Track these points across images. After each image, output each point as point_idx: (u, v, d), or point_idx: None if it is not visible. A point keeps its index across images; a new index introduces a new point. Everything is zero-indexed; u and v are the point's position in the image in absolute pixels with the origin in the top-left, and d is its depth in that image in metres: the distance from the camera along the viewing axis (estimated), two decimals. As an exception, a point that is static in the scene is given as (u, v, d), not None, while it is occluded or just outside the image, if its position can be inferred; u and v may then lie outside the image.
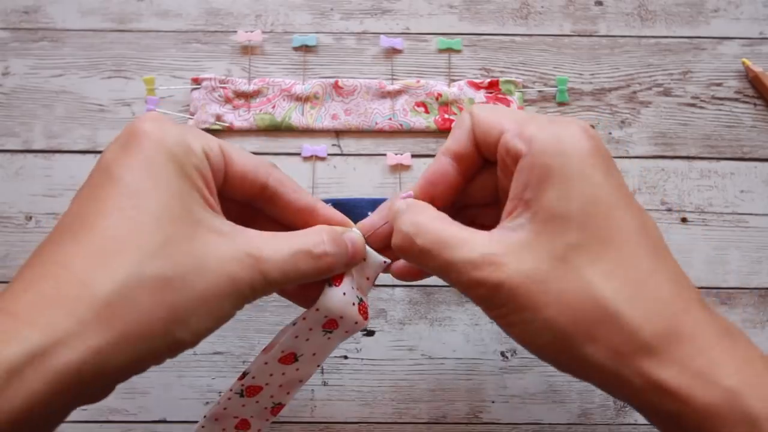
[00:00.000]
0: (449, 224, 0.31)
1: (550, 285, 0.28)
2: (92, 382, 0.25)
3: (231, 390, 0.35)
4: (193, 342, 0.29)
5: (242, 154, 0.33)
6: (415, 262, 0.32)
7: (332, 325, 0.34)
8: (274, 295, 0.53)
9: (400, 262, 0.36)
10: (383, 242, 0.35)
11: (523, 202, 0.29)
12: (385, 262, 0.35)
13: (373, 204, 0.54)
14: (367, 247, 0.35)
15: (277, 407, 0.36)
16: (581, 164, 0.28)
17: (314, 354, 0.35)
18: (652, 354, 0.27)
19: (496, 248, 0.29)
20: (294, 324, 0.34)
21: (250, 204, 0.35)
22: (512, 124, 0.31)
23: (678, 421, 0.28)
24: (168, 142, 0.29)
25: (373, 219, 0.36)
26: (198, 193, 0.29)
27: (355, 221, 0.36)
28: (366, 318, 0.35)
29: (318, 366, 0.36)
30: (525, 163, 0.29)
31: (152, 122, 0.30)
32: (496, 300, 0.29)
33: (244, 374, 0.34)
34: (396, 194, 0.35)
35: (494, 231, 0.30)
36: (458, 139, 0.33)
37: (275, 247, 0.30)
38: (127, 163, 0.28)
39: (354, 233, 0.35)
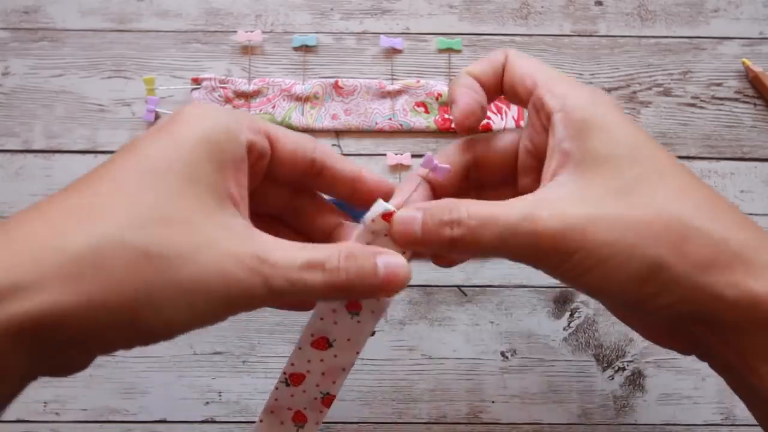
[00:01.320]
0: (491, 202, 0.30)
1: (622, 216, 0.28)
2: (50, 338, 0.24)
3: (278, 380, 0.35)
4: (165, 333, 0.26)
5: (288, 133, 0.32)
6: (470, 246, 0.29)
7: (355, 306, 0.33)
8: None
9: None
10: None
11: (564, 154, 0.30)
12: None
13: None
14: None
15: (328, 398, 0.36)
16: (615, 115, 0.30)
17: (349, 339, 0.34)
18: (744, 263, 0.27)
19: (552, 199, 0.29)
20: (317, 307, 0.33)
21: (297, 192, 0.34)
22: (545, 79, 0.32)
23: None
24: (206, 127, 0.28)
25: (403, 189, 0.33)
26: (222, 186, 0.27)
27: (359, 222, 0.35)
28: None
29: (357, 353, 0.34)
30: (559, 119, 0.30)
31: (197, 107, 0.28)
32: (566, 248, 0.28)
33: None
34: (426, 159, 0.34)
35: (541, 190, 0.30)
36: (485, 69, 0.34)
37: (286, 253, 0.28)
38: (155, 139, 0.27)
39: (393, 257, 0.30)
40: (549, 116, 0.31)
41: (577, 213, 0.28)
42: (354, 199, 0.34)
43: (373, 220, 0.31)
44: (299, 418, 0.36)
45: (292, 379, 0.35)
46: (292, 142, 0.31)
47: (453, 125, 0.32)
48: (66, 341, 0.24)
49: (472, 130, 0.33)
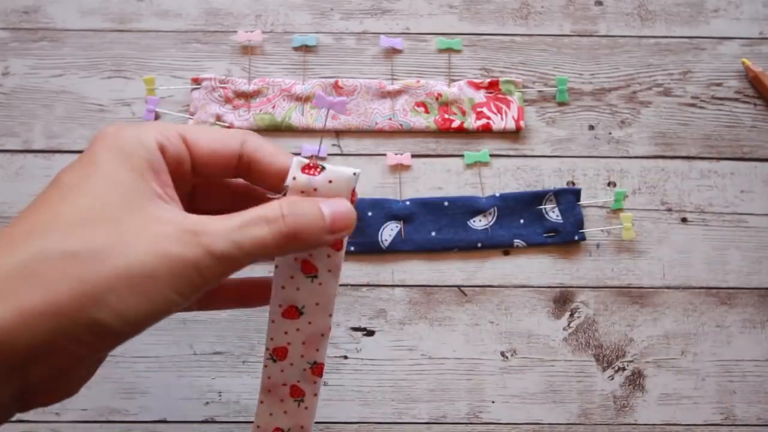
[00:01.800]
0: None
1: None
2: (3, 361, 0.24)
3: (264, 357, 0.35)
4: (124, 328, 0.26)
5: (209, 133, 0.32)
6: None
7: (310, 268, 0.33)
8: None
9: None
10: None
11: None
12: (354, 173, 0.31)
13: (372, 204, 0.54)
14: (331, 167, 0.31)
15: (317, 367, 0.36)
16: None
17: (317, 304, 0.34)
18: None
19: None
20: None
21: (241, 187, 0.34)
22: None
23: None
24: (118, 141, 0.28)
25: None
26: (147, 188, 0.28)
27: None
28: (338, 248, 0.32)
29: (330, 316, 0.35)
30: None
31: (108, 128, 0.29)
32: None
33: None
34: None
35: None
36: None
37: (223, 220, 0.28)
38: (72, 166, 0.28)
39: (335, 200, 0.30)
40: None
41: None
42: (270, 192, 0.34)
43: (294, 178, 0.31)
44: (297, 393, 0.36)
45: (276, 353, 0.35)
46: (210, 141, 0.31)
47: None
48: (15, 360, 0.24)
49: None
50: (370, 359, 0.53)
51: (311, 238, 0.29)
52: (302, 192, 0.31)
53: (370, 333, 0.53)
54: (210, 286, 0.28)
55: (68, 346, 0.25)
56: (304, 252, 0.32)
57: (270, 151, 0.32)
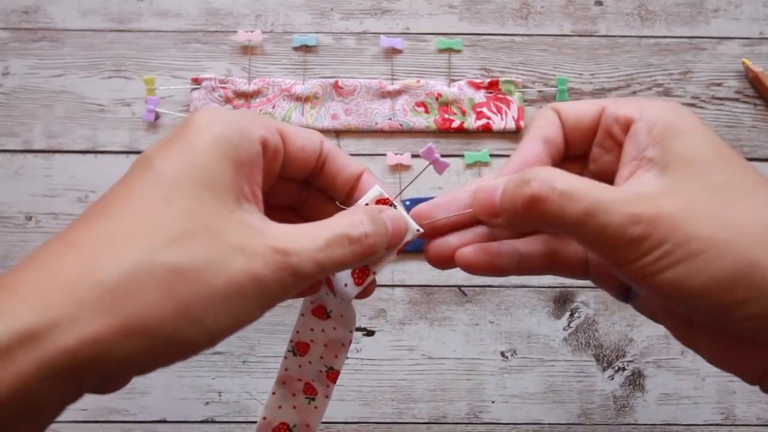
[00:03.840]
0: (581, 177, 0.28)
1: (716, 212, 0.26)
2: (89, 371, 0.24)
3: (286, 349, 0.36)
4: (208, 343, 0.26)
5: (298, 129, 0.32)
6: (551, 211, 0.27)
7: (330, 286, 0.34)
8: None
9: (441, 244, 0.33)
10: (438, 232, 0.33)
11: (646, 161, 0.28)
12: (418, 230, 0.32)
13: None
14: (401, 211, 0.32)
15: (332, 373, 0.36)
16: (696, 121, 0.29)
17: (341, 315, 0.35)
18: None
19: (646, 188, 0.27)
20: None
21: (305, 184, 0.34)
22: (609, 102, 0.31)
23: None
24: (219, 128, 0.28)
25: (422, 208, 0.32)
26: (237, 185, 0.28)
27: None
28: (358, 283, 0.32)
29: (351, 332, 0.35)
30: (642, 126, 0.29)
31: (206, 111, 0.28)
32: (657, 236, 0.26)
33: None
34: (472, 182, 0.33)
35: (631, 183, 0.29)
36: (547, 126, 0.32)
37: (308, 237, 0.28)
38: (167, 151, 0.27)
39: (392, 210, 0.31)
40: (628, 126, 0.29)
41: (670, 203, 0.26)
42: (348, 201, 0.34)
43: (366, 204, 0.32)
44: (310, 391, 0.36)
45: (298, 347, 0.35)
46: (301, 138, 0.31)
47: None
48: (108, 370, 0.25)
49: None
50: (370, 359, 0.53)
51: (380, 252, 0.30)
52: None
53: (370, 333, 0.53)
54: (284, 300, 0.28)
55: (157, 362, 0.26)
56: None
57: (343, 155, 0.33)
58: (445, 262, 0.33)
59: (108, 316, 0.24)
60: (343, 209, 0.32)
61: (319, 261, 0.28)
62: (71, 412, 0.51)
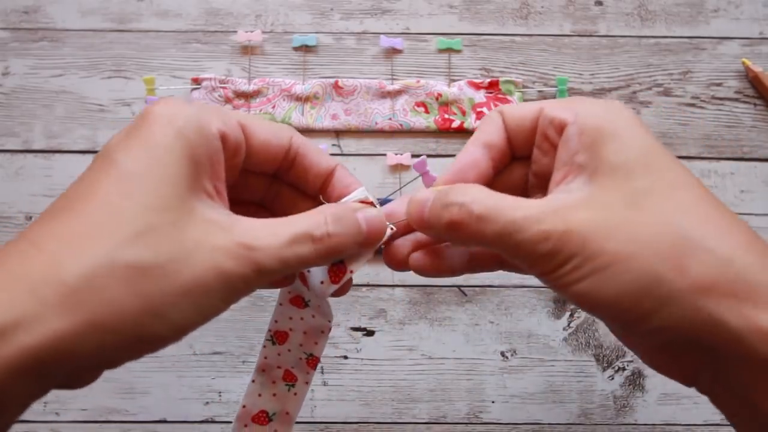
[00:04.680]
0: (500, 194, 0.29)
1: (626, 226, 0.27)
2: (53, 369, 0.24)
3: (264, 338, 0.36)
4: (174, 337, 0.27)
5: (263, 123, 0.31)
6: (469, 234, 0.28)
7: (304, 282, 0.34)
8: (275, 294, 0.53)
9: (418, 255, 0.33)
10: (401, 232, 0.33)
11: (576, 167, 0.29)
12: (391, 229, 0.32)
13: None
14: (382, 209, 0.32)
15: (312, 359, 0.36)
16: (629, 123, 0.29)
17: (319, 305, 0.35)
18: (747, 291, 0.25)
19: (560, 203, 0.28)
20: None
21: (275, 178, 0.34)
22: (547, 104, 0.31)
23: None
24: (178, 124, 0.27)
25: (394, 207, 0.33)
26: (199, 179, 0.28)
27: None
28: (335, 281, 0.32)
29: (329, 321, 0.36)
30: (574, 130, 0.29)
31: (165, 104, 0.28)
32: (566, 251, 0.26)
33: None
34: (416, 189, 0.33)
35: (550, 195, 0.29)
36: (488, 131, 0.33)
37: (272, 233, 0.28)
38: (129, 145, 0.27)
39: (372, 210, 0.31)
40: (562, 129, 0.30)
41: (581, 218, 0.27)
42: (322, 192, 0.33)
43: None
44: (289, 377, 0.36)
45: (276, 336, 0.36)
46: (265, 133, 0.31)
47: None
48: (72, 367, 0.25)
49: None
50: (370, 359, 0.53)
51: (347, 251, 0.30)
52: None
53: (370, 333, 0.53)
54: (250, 293, 0.28)
55: (123, 356, 0.26)
56: None
57: (315, 150, 0.32)
58: (399, 264, 0.33)
59: (71, 315, 0.24)
60: (324, 203, 0.32)
61: (282, 258, 0.28)
62: (71, 412, 0.51)
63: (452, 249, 0.33)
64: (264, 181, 0.34)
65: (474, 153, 0.32)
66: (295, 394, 0.36)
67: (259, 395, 0.36)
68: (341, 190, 0.33)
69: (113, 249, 0.25)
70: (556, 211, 0.27)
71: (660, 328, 0.26)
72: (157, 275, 0.25)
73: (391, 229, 0.32)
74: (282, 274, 0.29)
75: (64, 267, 0.24)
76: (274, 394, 0.36)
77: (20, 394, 0.24)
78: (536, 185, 0.33)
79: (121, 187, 0.26)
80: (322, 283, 0.32)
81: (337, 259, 0.31)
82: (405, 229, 0.33)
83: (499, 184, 0.33)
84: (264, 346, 0.36)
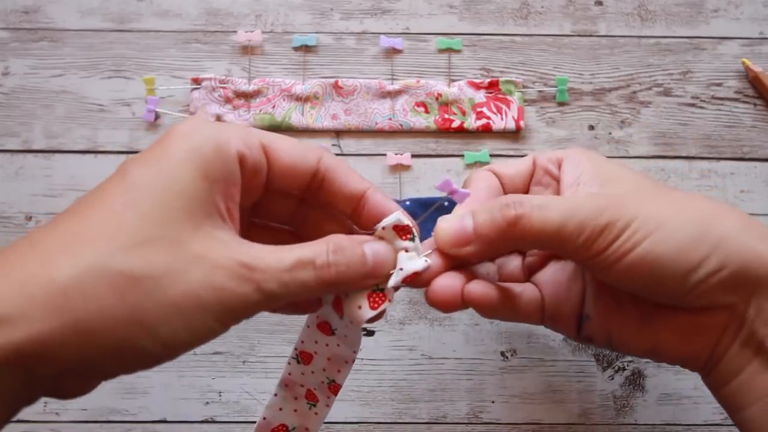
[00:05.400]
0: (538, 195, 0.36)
1: (658, 198, 0.32)
2: (37, 368, 0.24)
3: (290, 356, 0.35)
4: (164, 355, 0.26)
5: (289, 144, 0.31)
6: (531, 226, 0.30)
7: (339, 308, 0.33)
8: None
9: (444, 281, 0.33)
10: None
11: (583, 183, 0.34)
12: (426, 261, 0.32)
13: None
14: (417, 244, 0.32)
15: (334, 386, 0.36)
16: (607, 159, 0.36)
17: (346, 336, 0.34)
18: None
19: (591, 192, 0.33)
20: None
21: (304, 200, 0.33)
22: (534, 153, 0.38)
23: None
24: (194, 141, 0.27)
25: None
26: (211, 198, 0.27)
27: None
28: (373, 307, 0.31)
29: (355, 353, 0.35)
30: (571, 161, 0.35)
31: (187, 122, 0.28)
32: (623, 219, 0.30)
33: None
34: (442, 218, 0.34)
35: (578, 192, 0.34)
36: (486, 179, 0.37)
37: (277, 258, 0.28)
38: (143, 159, 0.27)
39: (378, 243, 0.30)
40: (560, 163, 0.36)
41: (620, 192, 0.32)
42: (353, 217, 0.33)
43: (383, 228, 0.31)
44: (311, 397, 0.36)
45: (302, 356, 0.35)
46: (290, 154, 0.30)
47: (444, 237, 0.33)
48: (56, 369, 0.24)
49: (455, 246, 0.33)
50: (370, 359, 0.53)
51: (352, 284, 0.30)
52: (382, 239, 0.31)
53: (370, 333, 0.53)
54: (249, 317, 0.28)
55: (109, 367, 0.26)
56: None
57: (345, 172, 0.32)
58: (448, 304, 0.33)
59: (57, 315, 0.24)
60: (359, 232, 0.32)
61: (283, 281, 0.27)
62: (71, 412, 0.51)
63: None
64: (291, 202, 0.33)
65: (483, 190, 0.36)
66: (316, 413, 0.36)
67: (281, 409, 0.36)
68: (374, 214, 0.32)
69: (107, 255, 0.25)
70: (598, 194, 0.32)
71: (717, 267, 0.30)
72: (148, 286, 0.25)
73: (426, 261, 0.32)
74: (283, 299, 0.28)
75: (56, 267, 0.24)
76: (296, 410, 0.36)
77: (4, 392, 0.24)
78: None
79: (127, 197, 0.26)
80: (359, 308, 0.31)
81: (342, 290, 0.31)
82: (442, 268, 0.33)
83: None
84: (289, 363, 0.35)
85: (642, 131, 0.56)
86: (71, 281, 0.24)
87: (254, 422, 0.51)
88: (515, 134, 0.56)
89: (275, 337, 0.53)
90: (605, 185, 0.33)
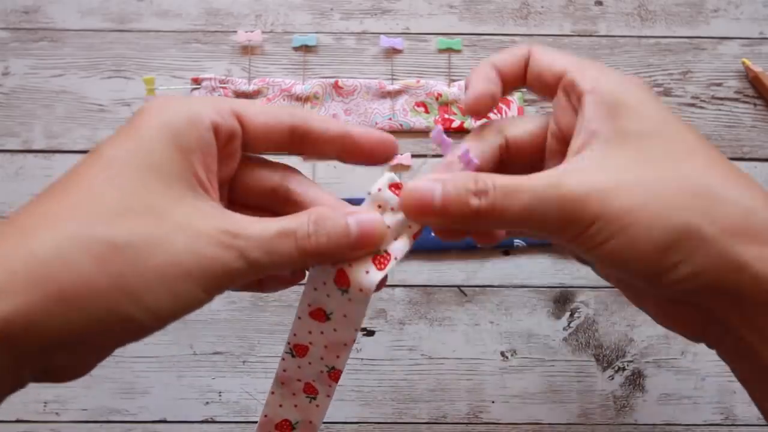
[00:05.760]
0: (514, 176, 0.29)
1: (645, 184, 0.28)
2: (24, 343, 0.24)
3: (284, 350, 0.35)
4: (152, 324, 0.26)
5: (261, 107, 0.31)
6: (496, 214, 0.29)
7: (343, 282, 0.32)
8: (274, 294, 0.53)
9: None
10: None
11: (591, 135, 0.30)
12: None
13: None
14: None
15: (334, 372, 0.35)
16: (645, 95, 0.30)
17: (345, 316, 0.33)
18: None
19: (575, 169, 0.29)
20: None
21: (281, 184, 0.33)
22: (573, 65, 0.32)
23: None
24: (166, 115, 0.28)
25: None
26: (190, 169, 0.27)
27: None
28: (380, 268, 0.31)
29: (356, 330, 0.34)
30: (591, 99, 0.30)
31: (157, 99, 0.28)
32: (588, 214, 0.27)
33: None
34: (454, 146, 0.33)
35: (565, 163, 0.30)
36: (509, 61, 0.34)
37: (260, 226, 0.28)
38: (116, 138, 0.27)
39: (366, 214, 0.30)
40: (580, 97, 0.31)
41: (600, 179, 0.28)
42: (346, 158, 0.33)
43: (379, 189, 0.31)
44: (310, 390, 0.35)
45: (296, 349, 0.34)
46: (263, 114, 0.31)
47: (463, 108, 0.31)
48: (42, 342, 0.24)
49: (480, 115, 0.33)
50: (370, 359, 0.53)
51: (335, 255, 0.30)
52: (379, 206, 0.31)
53: (370, 333, 0.53)
54: (234, 287, 0.28)
55: (97, 338, 0.25)
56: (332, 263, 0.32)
57: (320, 118, 0.32)
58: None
59: (40, 287, 0.24)
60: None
61: (267, 249, 0.27)
62: (71, 412, 0.51)
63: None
64: (268, 178, 0.33)
65: (489, 73, 0.34)
66: (317, 405, 0.35)
67: (280, 405, 0.35)
68: (363, 148, 0.32)
69: (87, 225, 0.25)
70: (572, 177, 0.28)
71: (684, 278, 0.27)
72: (131, 255, 0.25)
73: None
74: (267, 269, 0.28)
75: (36, 240, 0.24)
76: (296, 405, 0.35)
77: None
78: (556, 150, 0.33)
79: (104, 174, 0.26)
80: (367, 273, 0.31)
81: (328, 262, 0.30)
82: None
83: (516, 142, 0.34)
84: (283, 359, 0.35)
85: (642, 131, 0.56)
86: (52, 252, 0.24)
87: (254, 422, 0.51)
88: (515, 134, 0.56)
89: (275, 337, 0.53)
90: (611, 146, 0.29)
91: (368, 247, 0.30)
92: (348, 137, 0.32)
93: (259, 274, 0.28)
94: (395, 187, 0.31)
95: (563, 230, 0.28)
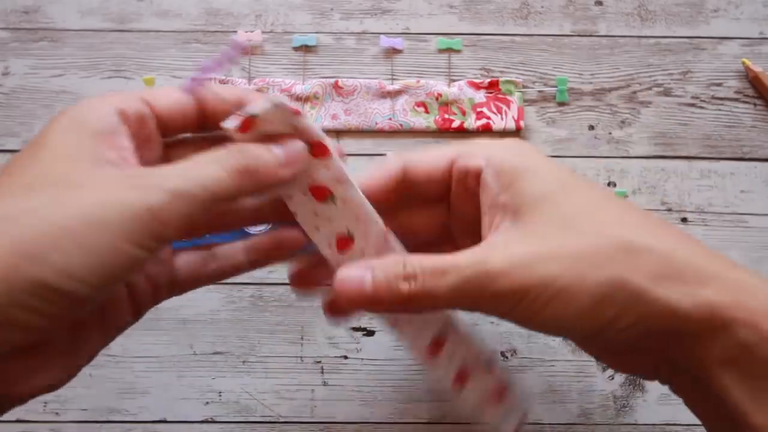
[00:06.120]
0: (436, 255, 0.29)
1: (566, 248, 0.28)
2: None
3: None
4: (70, 285, 0.24)
5: (169, 90, 0.31)
6: (429, 298, 0.28)
7: (321, 193, 0.32)
8: (274, 294, 0.54)
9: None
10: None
11: (501, 208, 0.30)
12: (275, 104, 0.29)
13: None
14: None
15: (344, 239, 0.33)
16: (538, 158, 0.31)
17: (357, 218, 0.32)
18: (694, 274, 0.27)
19: (496, 244, 0.29)
20: None
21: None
22: (456, 152, 0.33)
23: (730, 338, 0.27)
24: (69, 113, 0.28)
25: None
26: (95, 150, 0.27)
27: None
28: (328, 153, 0.31)
29: (377, 222, 0.33)
30: (489, 172, 0.31)
31: (66, 108, 0.29)
32: (517, 287, 0.27)
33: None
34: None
35: (485, 241, 0.30)
36: (378, 178, 0.33)
37: (175, 163, 0.28)
38: (23, 150, 0.28)
39: (287, 143, 0.30)
40: (478, 175, 0.31)
41: (523, 250, 0.28)
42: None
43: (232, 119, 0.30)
44: (321, 195, 0.33)
45: (315, 150, 0.32)
46: (170, 94, 0.31)
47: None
48: None
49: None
50: (371, 359, 0.53)
51: (267, 172, 0.29)
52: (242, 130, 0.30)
53: (370, 333, 0.53)
54: (172, 233, 0.26)
55: (17, 315, 0.24)
56: (268, 193, 0.32)
57: (216, 90, 0.32)
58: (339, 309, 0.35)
59: None
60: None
61: (189, 176, 0.26)
62: (71, 412, 0.51)
63: None
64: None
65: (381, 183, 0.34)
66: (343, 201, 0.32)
67: (317, 227, 0.33)
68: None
69: None
70: (495, 253, 0.28)
71: (623, 329, 0.27)
72: (25, 219, 0.24)
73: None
74: (200, 195, 0.27)
75: None
76: (325, 215, 0.33)
77: None
78: (463, 232, 0.34)
79: (8, 175, 0.26)
80: (327, 169, 0.31)
81: (263, 186, 0.29)
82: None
83: (415, 226, 0.35)
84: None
85: (642, 131, 0.56)
86: None
87: (254, 422, 0.52)
88: (515, 134, 0.56)
89: (275, 337, 0.53)
90: (521, 215, 0.29)
91: (299, 161, 0.30)
92: (243, 101, 0.31)
93: (192, 208, 0.26)
94: (293, 112, 0.30)
95: (497, 306, 0.28)
